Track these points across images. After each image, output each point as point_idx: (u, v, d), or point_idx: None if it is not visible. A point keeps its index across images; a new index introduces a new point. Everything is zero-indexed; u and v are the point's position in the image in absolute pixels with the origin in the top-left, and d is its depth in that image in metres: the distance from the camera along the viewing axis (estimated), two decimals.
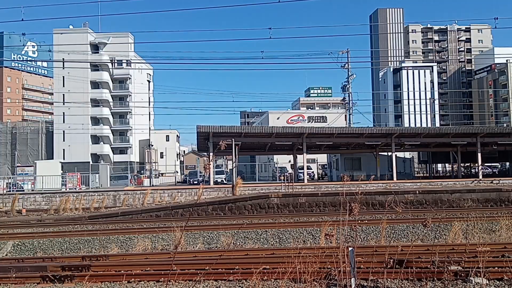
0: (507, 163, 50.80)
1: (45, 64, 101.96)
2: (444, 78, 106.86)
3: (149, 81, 67.62)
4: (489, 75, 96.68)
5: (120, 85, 69.33)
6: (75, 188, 31.61)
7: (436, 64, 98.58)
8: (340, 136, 33.95)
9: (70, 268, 9.44)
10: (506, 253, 9.66)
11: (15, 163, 51.30)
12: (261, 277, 7.83)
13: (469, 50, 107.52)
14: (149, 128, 60.02)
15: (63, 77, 64.02)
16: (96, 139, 67.08)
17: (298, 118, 59.71)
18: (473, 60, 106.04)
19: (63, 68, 61.73)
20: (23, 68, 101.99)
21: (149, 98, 59.32)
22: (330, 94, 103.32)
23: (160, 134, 70.46)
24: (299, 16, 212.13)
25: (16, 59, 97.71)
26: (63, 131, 63.26)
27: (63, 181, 32.67)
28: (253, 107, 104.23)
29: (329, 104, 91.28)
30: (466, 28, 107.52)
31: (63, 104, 63.47)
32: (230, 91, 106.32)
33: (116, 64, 67.90)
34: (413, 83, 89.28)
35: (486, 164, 47.44)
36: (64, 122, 63.57)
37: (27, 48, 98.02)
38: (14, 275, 8.94)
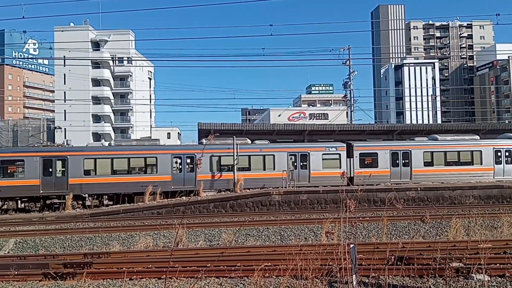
0: None
1: (46, 61, 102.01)
2: (445, 74, 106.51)
3: (150, 79, 67.57)
4: (491, 72, 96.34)
5: (121, 83, 69.25)
6: None
7: (437, 60, 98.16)
8: (342, 133, 33.92)
9: (72, 265, 9.48)
10: (508, 249, 9.66)
11: None
12: (263, 274, 7.84)
13: (470, 47, 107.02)
14: (150, 125, 60.04)
15: (64, 74, 63.95)
16: (97, 137, 67.07)
17: (300, 115, 59.65)
18: (475, 56, 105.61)
19: (64, 66, 61.64)
20: (24, 65, 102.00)
21: (150, 95, 59.33)
22: (332, 91, 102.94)
23: (162, 132, 70.45)
24: (300, 13, 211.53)
25: (17, 56, 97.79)
26: (64, 129, 63.23)
27: None
28: (255, 104, 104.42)
29: (330, 101, 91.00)
30: (467, 24, 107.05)
31: (64, 101, 63.45)
32: (231, 88, 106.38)
33: (117, 61, 67.82)
34: (415, 79, 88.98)
35: None
36: (65, 119, 63.51)
37: (28, 45, 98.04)
38: (16, 273, 8.98)
